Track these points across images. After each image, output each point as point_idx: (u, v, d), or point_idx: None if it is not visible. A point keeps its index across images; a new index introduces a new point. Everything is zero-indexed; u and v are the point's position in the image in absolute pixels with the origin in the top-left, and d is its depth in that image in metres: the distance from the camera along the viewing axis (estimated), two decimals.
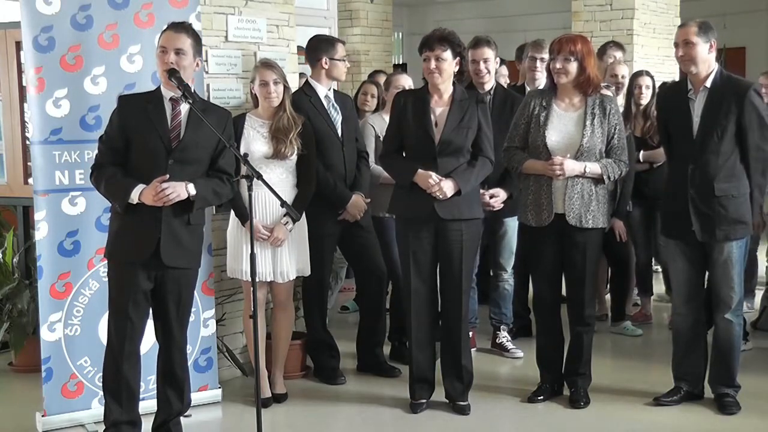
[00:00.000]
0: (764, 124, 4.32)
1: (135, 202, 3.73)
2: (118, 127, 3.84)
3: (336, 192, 4.91)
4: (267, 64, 4.67)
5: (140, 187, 3.73)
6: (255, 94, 4.69)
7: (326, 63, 4.99)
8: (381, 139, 5.17)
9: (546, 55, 5.15)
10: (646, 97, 5.86)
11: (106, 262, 4.10)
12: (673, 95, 4.54)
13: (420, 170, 4.37)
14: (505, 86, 5.79)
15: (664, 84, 5.92)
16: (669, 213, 4.51)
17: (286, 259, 4.66)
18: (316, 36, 5.23)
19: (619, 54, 6.82)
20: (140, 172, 3.77)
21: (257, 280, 4.43)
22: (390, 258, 5.13)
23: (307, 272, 4.78)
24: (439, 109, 4.46)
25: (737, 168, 4.34)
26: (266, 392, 4.65)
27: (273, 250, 4.62)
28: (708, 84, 4.34)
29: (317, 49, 5.03)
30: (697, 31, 4.29)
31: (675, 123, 4.47)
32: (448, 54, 4.38)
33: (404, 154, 4.56)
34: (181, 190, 3.74)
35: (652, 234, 5.92)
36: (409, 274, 4.50)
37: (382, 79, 6.40)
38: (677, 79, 7.37)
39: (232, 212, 4.65)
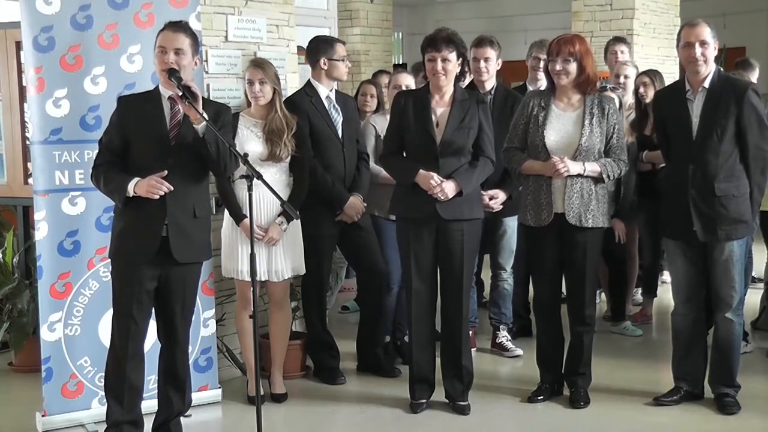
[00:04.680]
0: (763, 124, 4.32)
1: (131, 195, 3.75)
2: (117, 127, 3.85)
3: (334, 192, 4.91)
4: (255, 63, 4.68)
5: (136, 179, 3.75)
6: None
7: (325, 63, 4.99)
8: (382, 138, 5.17)
9: None
10: (649, 96, 5.85)
11: (106, 262, 4.11)
12: (670, 97, 4.53)
13: (421, 171, 4.37)
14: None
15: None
16: (670, 213, 4.51)
17: (281, 258, 4.66)
18: (316, 37, 5.24)
19: (622, 47, 6.82)
20: (141, 172, 3.77)
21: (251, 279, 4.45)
22: (385, 257, 5.14)
23: (302, 271, 4.78)
24: (440, 109, 4.46)
25: (737, 168, 4.34)
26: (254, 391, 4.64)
27: (267, 250, 4.62)
28: (706, 84, 4.34)
29: (316, 49, 5.04)
30: (710, 32, 4.31)
31: (674, 124, 4.46)
32: (453, 55, 4.38)
33: (404, 154, 4.56)
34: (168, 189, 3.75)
35: (659, 235, 5.90)
36: (410, 274, 4.50)
37: (383, 79, 6.40)
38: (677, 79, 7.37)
39: (226, 212, 4.66)
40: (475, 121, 4.44)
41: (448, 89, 4.47)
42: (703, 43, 4.29)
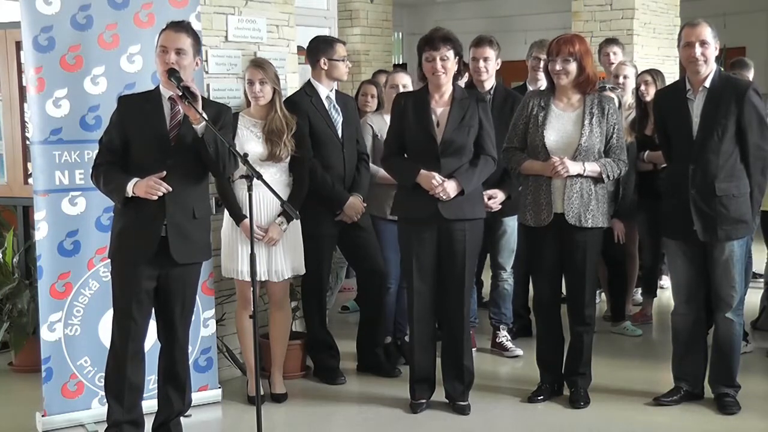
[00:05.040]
0: (764, 123, 4.33)
1: (131, 195, 3.75)
2: (117, 127, 3.85)
3: (333, 192, 4.91)
4: (256, 64, 4.69)
5: (135, 180, 3.75)
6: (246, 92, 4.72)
7: (325, 64, 4.99)
8: (379, 138, 5.18)
9: None
10: (650, 94, 5.84)
11: (106, 262, 4.09)
12: (671, 96, 4.53)
13: (423, 171, 4.37)
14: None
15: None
16: (670, 213, 4.51)
17: (281, 259, 4.66)
18: (316, 37, 5.24)
19: (615, 49, 6.81)
20: (141, 172, 3.77)
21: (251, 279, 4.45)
22: (383, 257, 5.14)
23: (302, 271, 4.78)
24: (439, 109, 4.46)
25: (737, 167, 4.34)
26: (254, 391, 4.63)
27: (267, 250, 4.62)
28: (707, 84, 4.34)
29: (316, 49, 5.05)
30: (711, 32, 4.31)
31: (674, 124, 4.46)
32: (451, 53, 4.39)
33: (405, 155, 4.56)
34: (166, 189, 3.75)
35: (659, 236, 5.89)
36: (412, 274, 4.50)
37: (382, 79, 6.39)
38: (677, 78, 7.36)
39: (226, 212, 4.65)
40: (475, 120, 4.44)
41: (447, 88, 4.47)
42: (703, 43, 4.29)
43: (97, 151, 3.92)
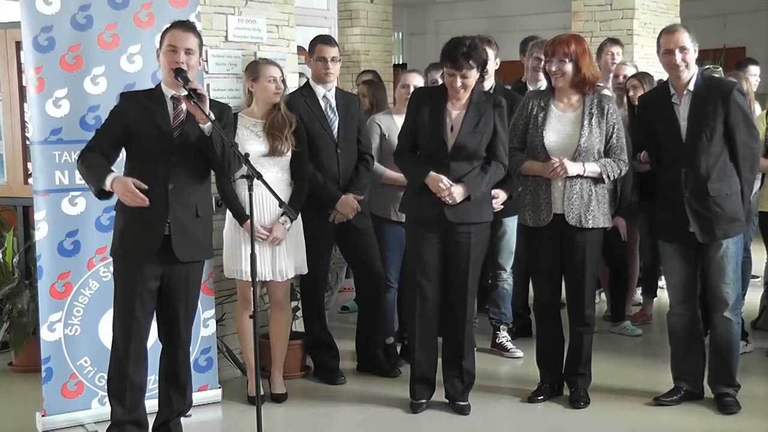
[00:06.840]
0: (750, 122, 4.38)
1: (108, 188, 3.69)
2: (119, 119, 3.82)
3: (325, 191, 4.90)
4: (272, 62, 4.73)
5: (115, 174, 3.70)
6: (251, 92, 4.70)
7: (310, 64, 5.03)
8: (387, 138, 5.17)
9: None
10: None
11: (106, 262, 4.08)
12: (657, 102, 4.54)
13: (432, 173, 4.35)
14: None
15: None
16: (665, 216, 4.51)
17: (284, 258, 4.66)
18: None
19: (616, 49, 6.79)
20: (142, 171, 3.75)
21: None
22: (384, 258, 5.14)
23: (305, 270, 4.78)
24: (455, 112, 4.41)
25: (728, 167, 4.36)
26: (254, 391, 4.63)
27: (271, 250, 4.62)
28: (691, 87, 4.36)
29: (308, 49, 5.10)
30: (689, 36, 4.33)
31: (662, 128, 4.47)
32: (473, 71, 4.33)
33: (418, 152, 4.54)
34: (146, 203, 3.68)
35: None
36: (416, 273, 4.49)
37: (364, 78, 6.47)
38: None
39: (228, 212, 4.65)
40: (490, 126, 4.40)
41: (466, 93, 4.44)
42: (682, 49, 4.32)
43: (93, 136, 3.85)
